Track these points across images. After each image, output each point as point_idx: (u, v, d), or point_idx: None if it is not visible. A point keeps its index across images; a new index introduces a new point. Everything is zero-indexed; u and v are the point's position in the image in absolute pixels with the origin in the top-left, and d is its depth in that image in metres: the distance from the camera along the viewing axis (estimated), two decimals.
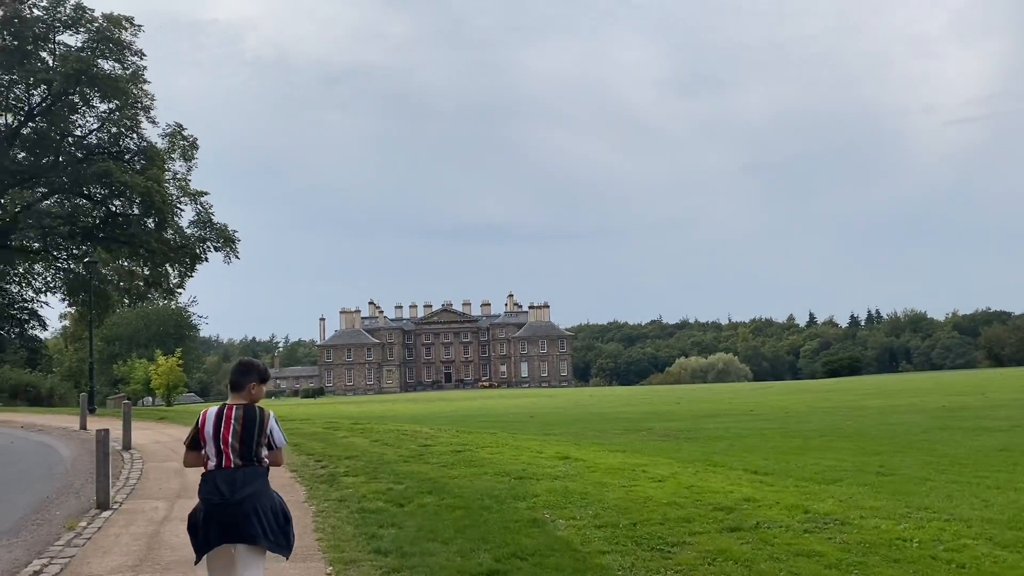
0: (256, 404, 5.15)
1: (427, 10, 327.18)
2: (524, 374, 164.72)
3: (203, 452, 5.03)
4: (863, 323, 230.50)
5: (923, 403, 31.66)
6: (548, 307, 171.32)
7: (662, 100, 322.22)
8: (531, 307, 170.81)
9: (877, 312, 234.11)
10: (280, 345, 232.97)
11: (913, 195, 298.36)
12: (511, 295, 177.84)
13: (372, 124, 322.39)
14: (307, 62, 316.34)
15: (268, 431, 5.07)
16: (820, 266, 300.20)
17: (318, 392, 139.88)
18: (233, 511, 4.84)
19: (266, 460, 5.10)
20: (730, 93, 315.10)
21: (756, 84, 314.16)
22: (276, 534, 4.99)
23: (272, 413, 5.21)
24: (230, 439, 4.95)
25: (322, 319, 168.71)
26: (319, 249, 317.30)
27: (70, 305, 59.81)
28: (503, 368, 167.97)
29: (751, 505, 9.16)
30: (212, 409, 5.11)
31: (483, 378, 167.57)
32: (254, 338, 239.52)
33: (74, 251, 54.20)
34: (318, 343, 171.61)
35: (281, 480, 12.90)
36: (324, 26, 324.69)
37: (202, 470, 5.04)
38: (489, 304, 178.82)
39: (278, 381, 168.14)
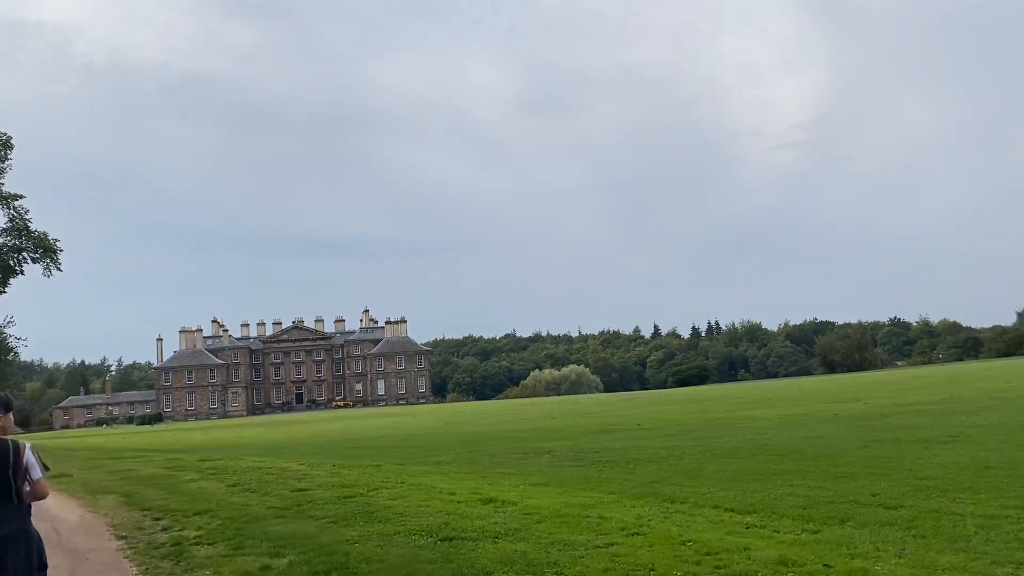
0: (7, 437, 4.92)
1: (273, 20, 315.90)
2: (381, 392, 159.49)
3: None
4: (704, 334, 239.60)
5: (814, 412, 30.80)
6: (405, 322, 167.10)
7: (514, 118, 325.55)
8: (388, 322, 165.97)
9: (717, 323, 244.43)
10: (113, 368, 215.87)
11: (747, 212, 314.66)
12: (366, 310, 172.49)
13: (216, 135, 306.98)
14: (145, 69, 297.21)
15: (24, 464, 4.86)
16: (664, 280, 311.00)
17: (156, 418, 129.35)
18: None
19: (27, 497, 4.88)
20: (579, 113, 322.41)
21: (603, 105, 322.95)
22: None
23: (29, 444, 4.97)
24: None
25: (159, 339, 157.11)
26: (159, 266, 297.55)
27: None
28: (359, 386, 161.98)
29: (798, 574, 6.58)
30: None
31: (337, 397, 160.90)
32: (83, 361, 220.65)
33: None
34: (155, 365, 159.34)
35: (103, 556, 9.21)
36: (163, 32, 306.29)
37: None
38: (343, 320, 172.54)
39: (110, 408, 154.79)
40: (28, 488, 4.79)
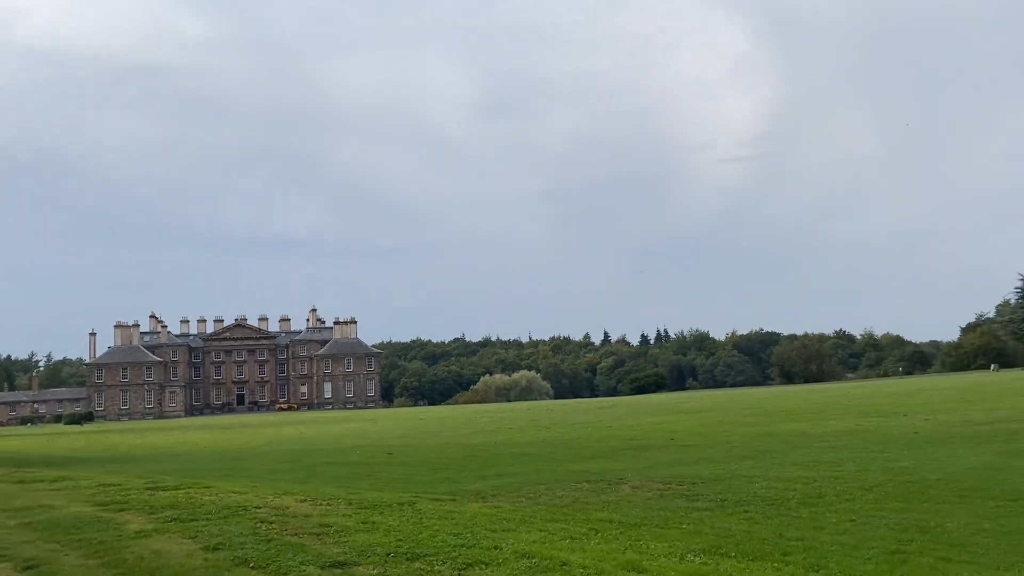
0: None
1: (226, 12, 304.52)
2: (327, 395, 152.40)
3: None
4: (652, 342, 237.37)
5: (875, 427, 26.56)
6: (355, 323, 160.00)
7: (468, 122, 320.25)
8: (336, 323, 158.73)
9: (665, 331, 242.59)
10: (41, 364, 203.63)
11: (694, 224, 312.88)
12: (314, 310, 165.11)
13: (161, 127, 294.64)
14: (87, 56, 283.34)
15: None
16: (613, 287, 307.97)
17: (86, 417, 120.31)
18: None
19: None
20: (534, 119, 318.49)
21: (558, 111, 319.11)
22: None
23: None
24: None
25: (92, 334, 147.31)
26: (94, 259, 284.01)
27: None
28: (304, 389, 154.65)
29: None
30: None
31: (281, 400, 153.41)
32: (8, 356, 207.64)
33: None
34: (87, 362, 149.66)
35: None
36: (108, 20, 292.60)
37: None
38: (289, 320, 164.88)
39: (36, 405, 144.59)
40: None
